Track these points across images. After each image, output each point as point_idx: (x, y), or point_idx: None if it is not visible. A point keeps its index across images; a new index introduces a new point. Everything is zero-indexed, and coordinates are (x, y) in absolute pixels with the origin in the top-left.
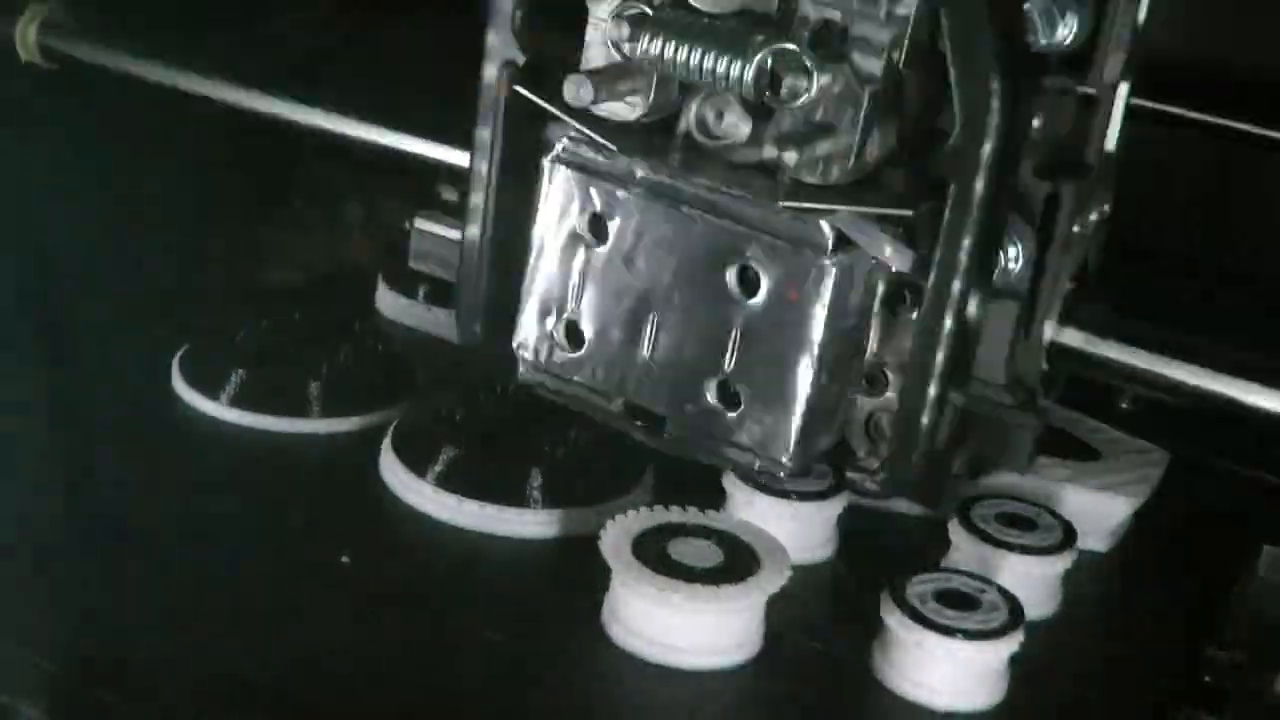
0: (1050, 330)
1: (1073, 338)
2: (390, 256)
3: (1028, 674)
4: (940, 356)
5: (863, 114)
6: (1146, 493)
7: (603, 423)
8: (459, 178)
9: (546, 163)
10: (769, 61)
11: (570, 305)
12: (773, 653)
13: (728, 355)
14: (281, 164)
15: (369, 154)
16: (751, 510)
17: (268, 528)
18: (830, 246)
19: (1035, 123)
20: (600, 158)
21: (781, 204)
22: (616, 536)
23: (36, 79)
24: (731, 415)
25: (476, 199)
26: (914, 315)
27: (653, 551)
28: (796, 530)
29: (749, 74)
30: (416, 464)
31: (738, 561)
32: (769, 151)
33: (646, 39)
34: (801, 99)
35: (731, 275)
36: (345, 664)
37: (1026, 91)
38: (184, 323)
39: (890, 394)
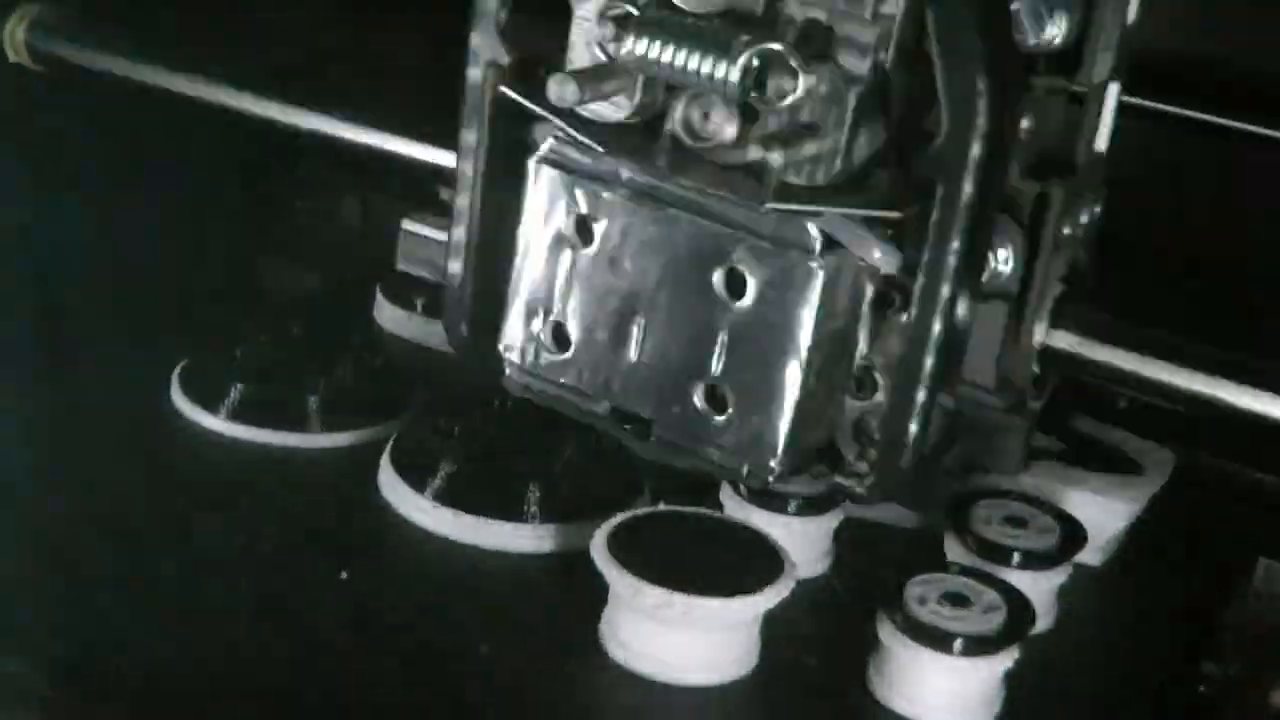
0: (1040, 332)
1: (1063, 340)
2: (389, 268)
3: (1022, 689)
4: (929, 359)
5: (849, 114)
6: (1140, 506)
7: (588, 425)
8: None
9: (531, 163)
10: (754, 62)
11: (556, 307)
12: (768, 668)
13: (715, 358)
14: (281, 164)
15: (362, 156)
16: None
17: (266, 542)
18: (818, 248)
19: (1024, 123)
20: (585, 159)
21: (768, 205)
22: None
23: (34, 82)
24: (719, 419)
25: (463, 200)
26: (903, 317)
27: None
28: (792, 544)
29: (734, 74)
30: (415, 478)
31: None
32: (755, 152)
33: (631, 39)
34: (787, 99)
35: (718, 277)
36: (343, 679)
37: (1015, 91)
38: (184, 330)
39: (879, 397)
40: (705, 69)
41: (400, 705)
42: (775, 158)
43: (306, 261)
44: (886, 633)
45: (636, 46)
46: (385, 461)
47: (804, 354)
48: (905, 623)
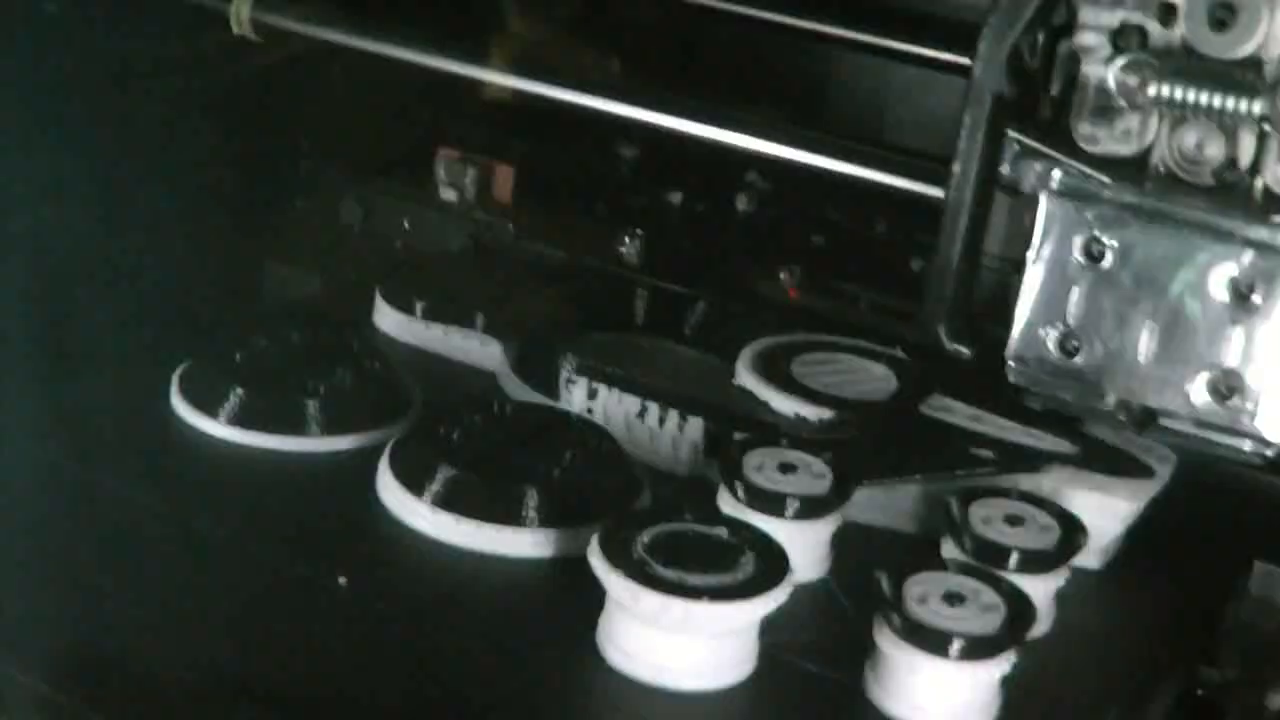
0: None
1: None
2: (389, 272)
3: (1020, 693)
4: None
5: None
6: (1138, 509)
7: (1090, 419)
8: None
9: (1043, 196)
10: (1275, 98)
11: (1067, 320)
12: (766, 674)
13: (1223, 354)
14: (281, 164)
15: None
16: None
17: (264, 546)
18: None
19: None
20: (1093, 188)
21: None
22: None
23: (34, 81)
24: (1225, 406)
25: (953, 224)
26: None
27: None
28: (791, 549)
29: (1259, 109)
30: (413, 483)
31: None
32: (1276, 172)
33: (1156, 85)
34: None
35: (1223, 283)
36: (340, 684)
37: None
38: (183, 332)
39: None
40: (1231, 105)
41: (398, 711)
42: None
43: (306, 262)
44: (882, 637)
45: (1163, 90)
46: (384, 466)
47: None
48: (901, 626)
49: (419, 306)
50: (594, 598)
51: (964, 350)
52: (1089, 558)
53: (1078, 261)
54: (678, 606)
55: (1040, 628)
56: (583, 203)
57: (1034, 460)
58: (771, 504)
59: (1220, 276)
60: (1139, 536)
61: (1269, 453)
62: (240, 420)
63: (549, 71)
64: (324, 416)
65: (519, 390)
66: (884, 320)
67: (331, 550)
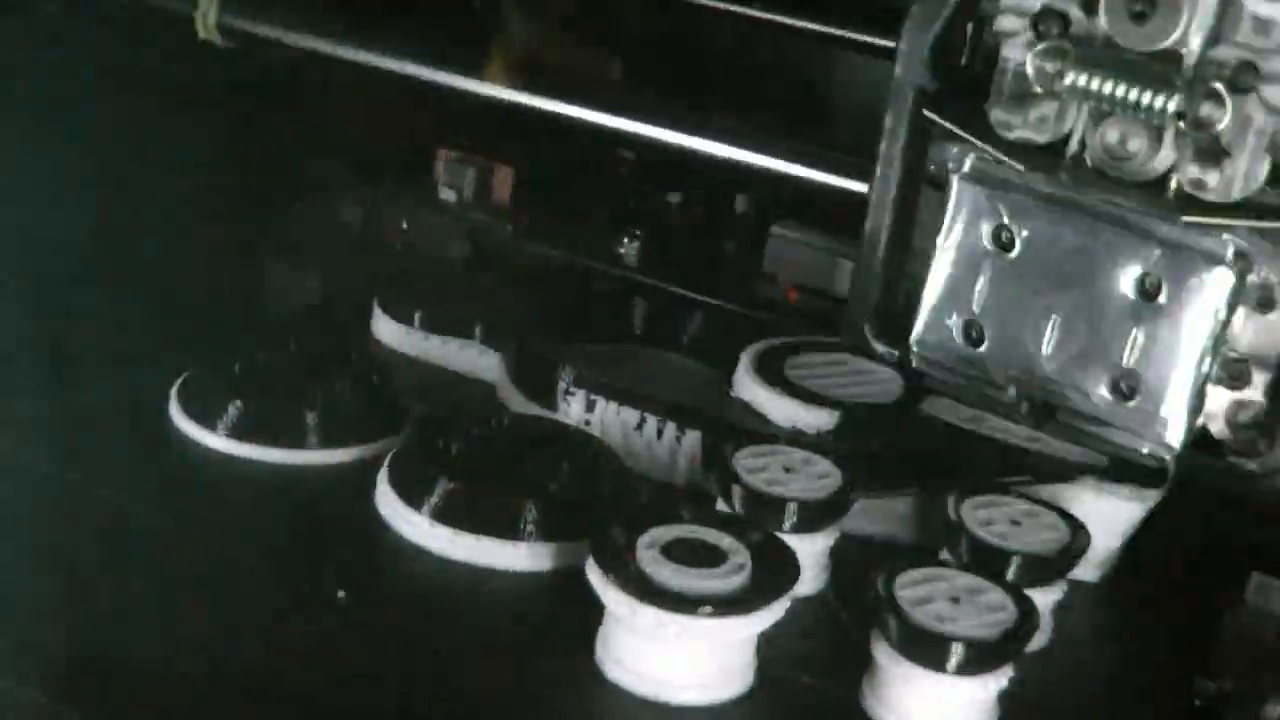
0: None
1: None
2: (388, 269)
3: (1017, 706)
4: None
5: (1263, 140)
6: (1134, 523)
7: (988, 411)
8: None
9: (955, 180)
10: (1192, 96)
11: (972, 308)
12: (764, 687)
13: (1126, 351)
14: (281, 164)
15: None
16: None
17: (262, 559)
18: (1230, 257)
19: None
20: (1006, 175)
21: (1185, 219)
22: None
23: (34, 82)
24: (1126, 406)
25: (877, 211)
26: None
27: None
28: None
29: (1173, 105)
30: (412, 496)
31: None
32: (1190, 172)
33: (1074, 73)
34: (1217, 126)
35: (1131, 281)
36: (338, 697)
37: None
38: (184, 334)
39: (1252, 392)
40: (1146, 100)
41: None
42: (1196, 175)
43: (306, 263)
44: (879, 650)
45: (1079, 79)
46: (382, 479)
47: (1204, 349)
48: (898, 638)
49: (417, 317)
50: (592, 611)
51: (892, 350)
52: (1087, 571)
53: (986, 248)
54: (675, 621)
55: (1039, 641)
56: (582, 203)
57: (1065, 471)
58: (769, 516)
59: (1128, 274)
60: (1135, 549)
61: (1166, 456)
62: (239, 433)
63: (541, 83)
64: (323, 429)
65: (518, 401)
66: None
67: (329, 563)
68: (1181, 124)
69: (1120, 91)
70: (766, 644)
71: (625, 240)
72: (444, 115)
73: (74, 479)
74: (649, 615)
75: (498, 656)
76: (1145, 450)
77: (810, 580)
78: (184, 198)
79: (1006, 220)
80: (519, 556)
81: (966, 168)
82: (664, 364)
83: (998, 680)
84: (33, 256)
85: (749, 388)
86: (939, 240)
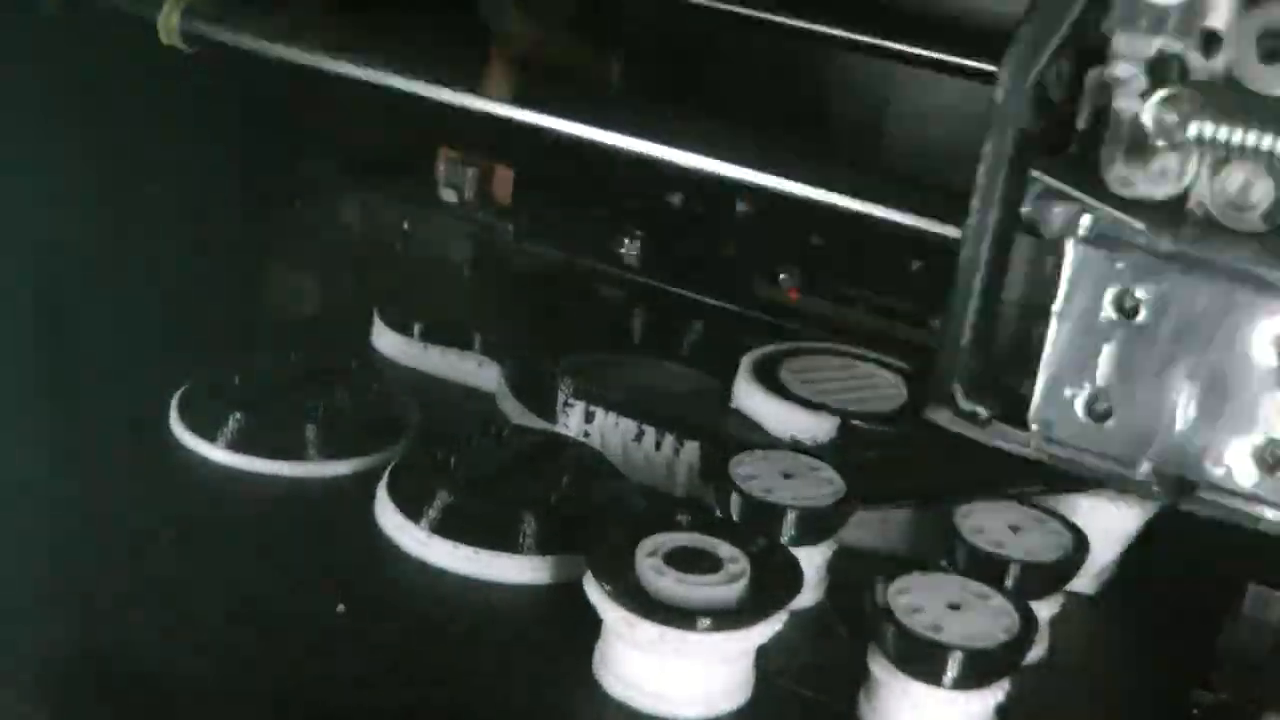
0: None
1: None
2: (388, 269)
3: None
4: None
5: None
6: (1132, 533)
7: (1120, 489)
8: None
9: (1071, 244)
10: None
11: (1095, 380)
12: (763, 700)
13: (1269, 421)
14: (281, 164)
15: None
16: None
17: (262, 571)
18: None
19: None
20: (1127, 236)
21: None
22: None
23: (35, 83)
24: (1275, 478)
25: (968, 270)
26: None
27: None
28: None
29: None
30: (411, 509)
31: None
32: None
33: (1197, 123)
34: None
35: (1269, 342)
36: (337, 710)
37: None
38: (184, 336)
39: None
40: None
41: None
42: None
43: (307, 263)
44: (875, 663)
45: (1204, 128)
46: (382, 492)
47: None
48: (894, 651)
49: (417, 328)
50: (591, 624)
51: (982, 411)
52: (1083, 581)
53: (1109, 316)
54: (673, 635)
55: (1034, 653)
56: (582, 203)
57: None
58: (768, 529)
59: (1266, 333)
60: (1132, 560)
61: None
62: (239, 445)
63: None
64: (323, 441)
65: (517, 412)
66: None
67: (328, 575)
68: None
69: (1252, 139)
70: (765, 657)
71: (626, 240)
72: (444, 115)
73: (73, 491)
74: (648, 630)
75: (496, 669)
76: None
77: (808, 593)
78: (184, 199)
79: (1129, 284)
80: (518, 569)
81: (1083, 230)
82: (664, 372)
83: (995, 694)
84: (32, 262)
85: (749, 396)
86: (1054, 308)
